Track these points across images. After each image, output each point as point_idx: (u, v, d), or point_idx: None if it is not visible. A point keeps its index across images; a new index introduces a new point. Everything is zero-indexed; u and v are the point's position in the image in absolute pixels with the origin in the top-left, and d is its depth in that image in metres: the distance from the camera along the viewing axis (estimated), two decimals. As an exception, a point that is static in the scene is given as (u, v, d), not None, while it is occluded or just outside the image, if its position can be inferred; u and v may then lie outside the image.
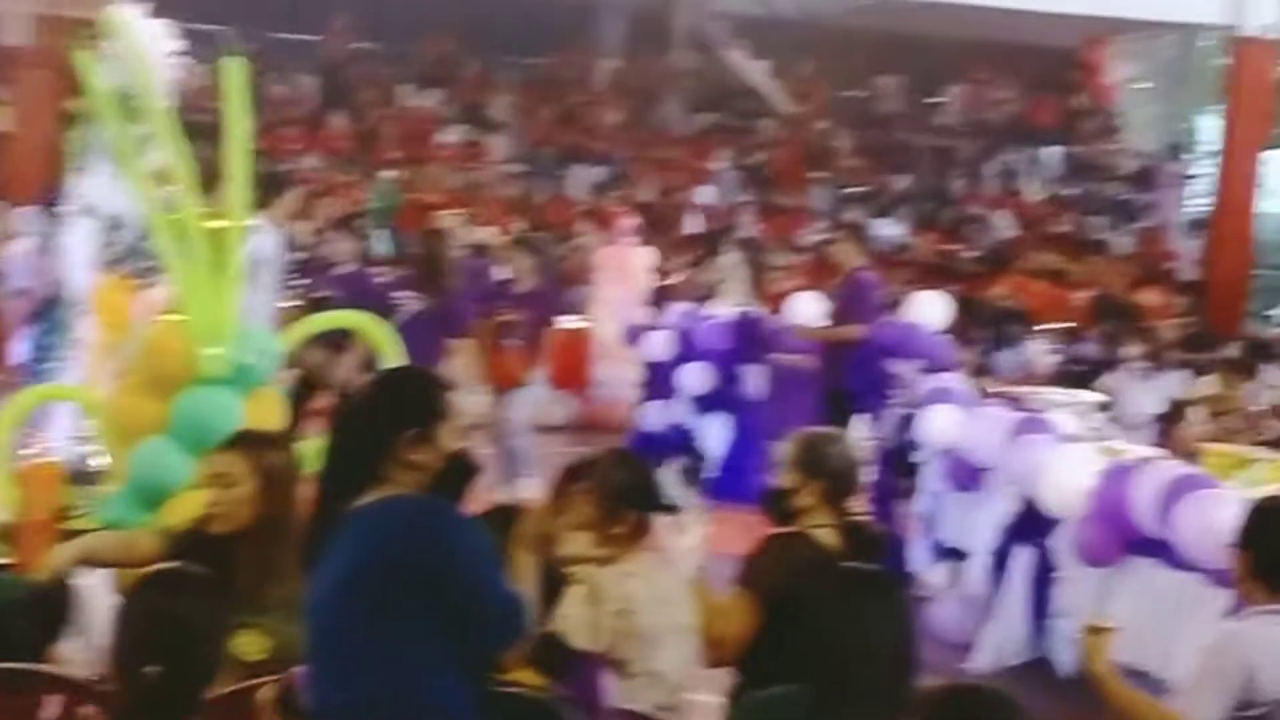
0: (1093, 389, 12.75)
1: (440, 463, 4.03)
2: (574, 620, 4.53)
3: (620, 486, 4.74)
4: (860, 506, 5.05)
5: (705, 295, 16.05)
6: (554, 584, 4.47)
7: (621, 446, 5.33)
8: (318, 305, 10.35)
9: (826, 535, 4.96)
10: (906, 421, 10.59)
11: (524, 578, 4.13)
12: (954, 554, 9.76)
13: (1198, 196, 24.80)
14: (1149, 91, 36.37)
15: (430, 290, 10.83)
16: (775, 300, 15.81)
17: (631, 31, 24.83)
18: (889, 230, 21.75)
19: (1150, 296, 20.09)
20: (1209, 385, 13.02)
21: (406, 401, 4.10)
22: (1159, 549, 7.43)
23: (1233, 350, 14.97)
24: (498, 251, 14.29)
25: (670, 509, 4.88)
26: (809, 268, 19.05)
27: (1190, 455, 9.05)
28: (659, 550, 4.86)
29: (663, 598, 4.66)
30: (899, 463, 10.95)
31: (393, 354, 6.87)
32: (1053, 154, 24.48)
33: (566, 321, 16.78)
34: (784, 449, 5.28)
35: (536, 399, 12.31)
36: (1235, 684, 4.65)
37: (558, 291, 12.65)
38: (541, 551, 4.21)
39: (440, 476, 4.04)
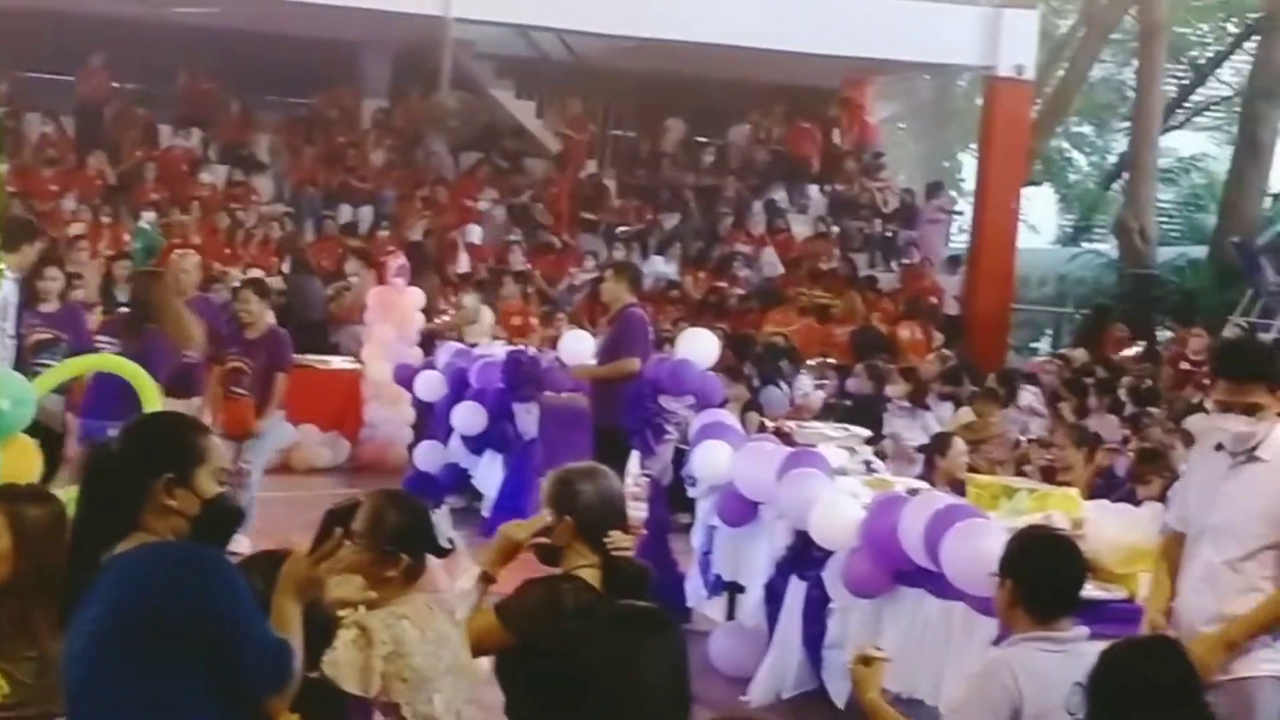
0: (877, 425, 12.97)
1: (198, 508, 3.94)
2: (344, 664, 4.43)
3: (394, 529, 4.65)
4: (624, 542, 4.97)
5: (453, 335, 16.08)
6: (324, 628, 4.37)
7: (394, 488, 5.22)
8: (38, 347, 10.15)
9: (592, 575, 4.90)
10: (680, 457, 10.63)
11: (288, 624, 4.04)
12: (730, 588, 9.81)
13: (960, 233, 25.42)
14: (910, 130, 37.33)
15: (131, 334, 10.60)
16: (517, 338, 15.93)
17: (396, 71, 24.72)
18: (659, 268, 21.91)
19: (908, 331, 20.46)
20: (966, 415, 13.32)
21: (161, 446, 4.00)
22: (927, 579, 7.53)
23: (991, 382, 15.33)
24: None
25: (444, 550, 4.80)
26: (580, 306, 19.14)
27: (956, 485, 9.22)
28: (432, 592, 4.77)
29: (436, 640, 4.58)
30: (674, 498, 10.99)
31: (152, 398, 6.69)
32: (818, 192, 24.86)
33: (337, 362, 16.63)
34: (542, 487, 5.24)
35: (271, 446, 12.12)
36: (1001, 710, 4.71)
37: (290, 336, 12.43)
38: (306, 597, 4.12)
39: (199, 522, 3.94)
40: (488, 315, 17.68)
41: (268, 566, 4.23)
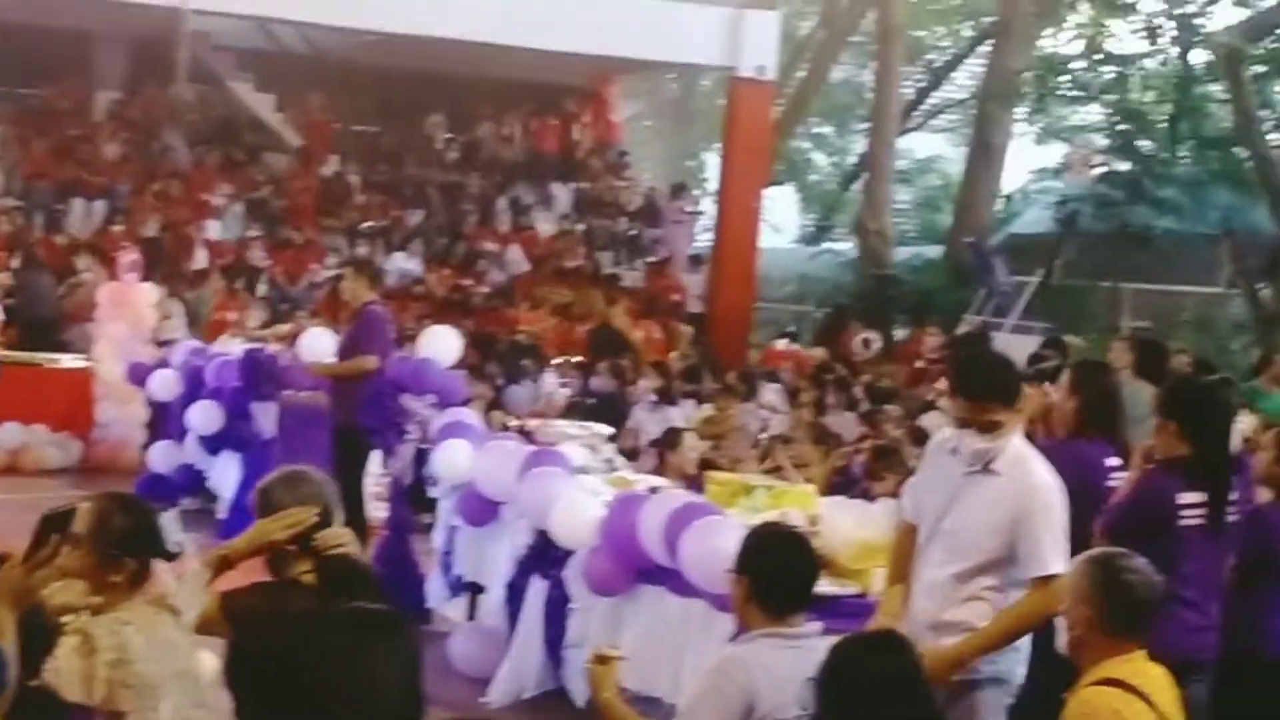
0: (620, 422, 13.00)
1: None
2: (66, 672, 4.30)
3: (119, 532, 4.53)
4: (332, 540, 4.87)
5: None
6: (46, 635, 4.24)
7: (121, 490, 5.07)
8: None
9: (314, 580, 4.81)
10: (422, 457, 10.54)
11: (1, 632, 3.91)
12: (471, 588, 9.77)
13: (704, 232, 25.72)
14: (655, 129, 37.66)
15: None
16: (214, 334, 15.77)
17: (131, 62, 24.14)
18: (402, 265, 21.75)
19: (644, 330, 20.55)
20: (707, 411, 13.47)
21: None
22: (666, 577, 7.57)
23: (731, 379, 15.52)
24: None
25: (171, 555, 4.68)
26: (321, 303, 18.91)
27: (687, 480, 9.30)
28: (160, 597, 4.65)
29: (162, 645, 4.47)
30: (415, 498, 10.91)
31: None
32: (563, 190, 24.91)
33: (68, 360, 16.19)
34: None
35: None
36: (735, 707, 4.75)
37: (20, 334, 12.10)
38: (19, 604, 3.99)
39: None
40: (179, 311, 17.39)
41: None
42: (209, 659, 4.78)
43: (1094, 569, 4.83)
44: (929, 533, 5.74)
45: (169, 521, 4.70)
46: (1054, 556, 5.50)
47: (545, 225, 24.03)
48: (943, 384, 13.02)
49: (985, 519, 5.58)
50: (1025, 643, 5.74)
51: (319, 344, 12.17)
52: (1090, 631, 4.76)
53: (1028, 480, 5.59)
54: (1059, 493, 5.65)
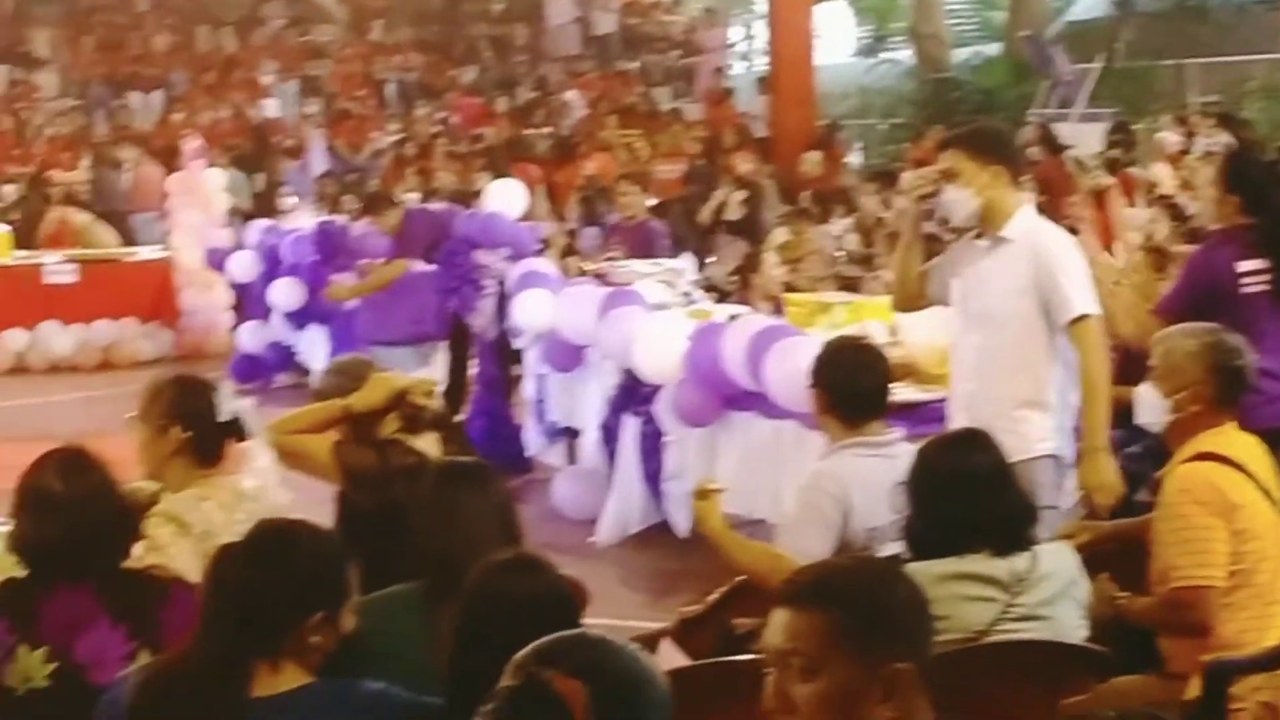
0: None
1: None
2: (175, 554, 4.34)
3: (167, 403, 4.56)
4: (420, 390, 4.99)
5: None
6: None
7: (186, 372, 5.09)
8: None
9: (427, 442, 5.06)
10: (502, 309, 10.59)
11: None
12: (567, 433, 9.88)
13: (761, 56, 25.40)
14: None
15: None
16: None
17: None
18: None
19: (743, 161, 20.21)
20: (782, 235, 13.42)
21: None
22: (754, 401, 7.63)
23: (805, 201, 15.41)
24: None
25: (235, 429, 4.68)
26: (388, 171, 18.92)
27: (770, 301, 9.29)
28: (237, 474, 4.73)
29: (247, 522, 4.49)
30: (502, 351, 10.98)
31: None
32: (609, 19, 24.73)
33: (146, 253, 16.35)
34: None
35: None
36: (833, 518, 4.81)
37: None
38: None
39: None
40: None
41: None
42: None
43: (1197, 345, 4.82)
44: (963, 324, 5.77)
45: (225, 392, 4.70)
46: (1080, 298, 5.52)
47: (596, 66, 23.83)
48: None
49: (1006, 286, 5.59)
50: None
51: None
52: (1195, 406, 4.76)
53: (1038, 240, 5.60)
54: (1071, 245, 5.70)
